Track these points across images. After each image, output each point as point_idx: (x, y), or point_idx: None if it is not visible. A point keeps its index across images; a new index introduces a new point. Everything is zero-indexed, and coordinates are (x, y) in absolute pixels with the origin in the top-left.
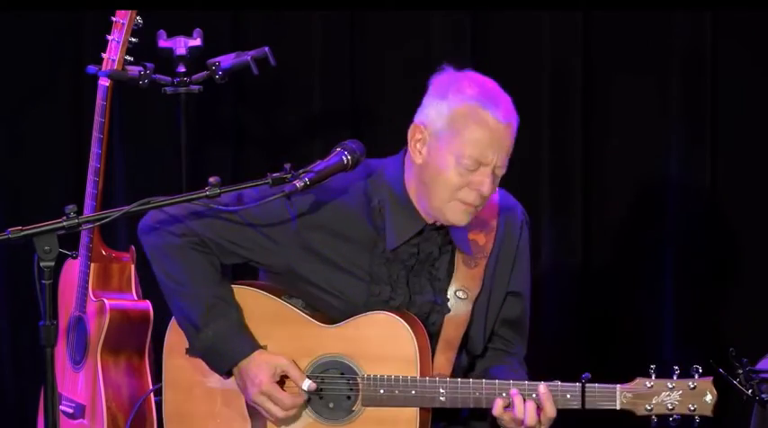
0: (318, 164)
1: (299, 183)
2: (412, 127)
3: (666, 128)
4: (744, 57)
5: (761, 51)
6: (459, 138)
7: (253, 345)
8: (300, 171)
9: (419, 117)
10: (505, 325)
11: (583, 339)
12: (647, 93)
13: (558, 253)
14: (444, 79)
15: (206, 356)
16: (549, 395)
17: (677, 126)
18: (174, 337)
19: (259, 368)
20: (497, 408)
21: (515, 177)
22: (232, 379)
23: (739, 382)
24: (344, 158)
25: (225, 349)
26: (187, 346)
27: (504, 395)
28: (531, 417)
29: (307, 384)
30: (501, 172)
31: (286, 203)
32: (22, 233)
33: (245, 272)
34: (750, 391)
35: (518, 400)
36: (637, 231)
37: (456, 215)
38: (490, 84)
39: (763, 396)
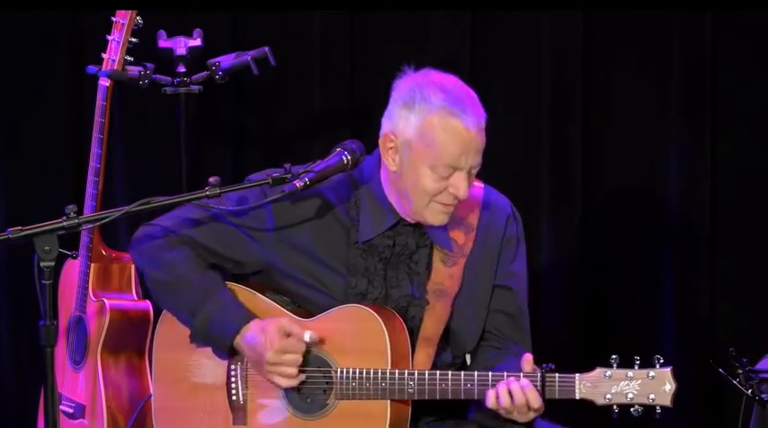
0: (318, 164)
1: (299, 183)
2: (382, 136)
3: (666, 127)
4: (744, 57)
5: (761, 51)
6: (432, 149)
7: (247, 317)
8: (300, 171)
9: (388, 125)
10: (497, 320)
11: (582, 337)
12: (647, 93)
13: (558, 252)
14: (408, 85)
15: (205, 340)
16: (530, 386)
17: (677, 125)
18: (164, 332)
19: (264, 331)
20: (491, 401)
21: (515, 177)
22: (216, 373)
23: (739, 382)
24: (344, 158)
25: (219, 329)
26: (189, 335)
27: (468, 385)
28: (519, 400)
29: (308, 335)
30: (476, 170)
31: (261, 198)
32: (22, 233)
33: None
34: (750, 391)
35: (501, 391)
36: (636, 231)
37: (436, 216)
38: (453, 85)
39: (763, 396)
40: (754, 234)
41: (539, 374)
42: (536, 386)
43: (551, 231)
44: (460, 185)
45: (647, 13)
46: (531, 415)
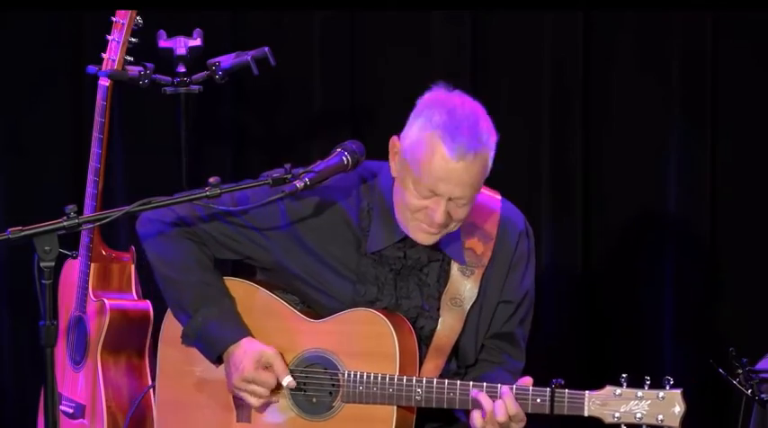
0: (318, 164)
1: (299, 184)
2: (392, 138)
3: (666, 128)
4: (744, 57)
5: (761, 51)
6: (416, 164)
7: (242, 332)
8: (301, 171)
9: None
10: (494, 336)
11: (582, 340)
12: (647, 94)
13: (558, 253)
14: (428, 99)
15: (197, 343)
16: (509, 395)
17: (677, 126)
18: (170, 327)
19: (245, 354)
20: (476, 420)
21: (516, 177)
22: (221, 369)
23: (739, 382)
24: (344, 158)
25: (214, 335)
26: (180, 334)
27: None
28: (500, 412)
29: (287, 380)
30: (462, 202)
31: (271, 196)
32: (22, 233)
33: (242, 268)
34: (750, 391)
35: (483, 398)
36: (637, 232)
37: (417, 234)
38: (463, 113)
39: (763, 396)
40: (754, 234)
41: (548, 390)
42: (544, 401)
43: (551, 231)
44: (436, 210)
45: (647, 13)
46: (514, 426)
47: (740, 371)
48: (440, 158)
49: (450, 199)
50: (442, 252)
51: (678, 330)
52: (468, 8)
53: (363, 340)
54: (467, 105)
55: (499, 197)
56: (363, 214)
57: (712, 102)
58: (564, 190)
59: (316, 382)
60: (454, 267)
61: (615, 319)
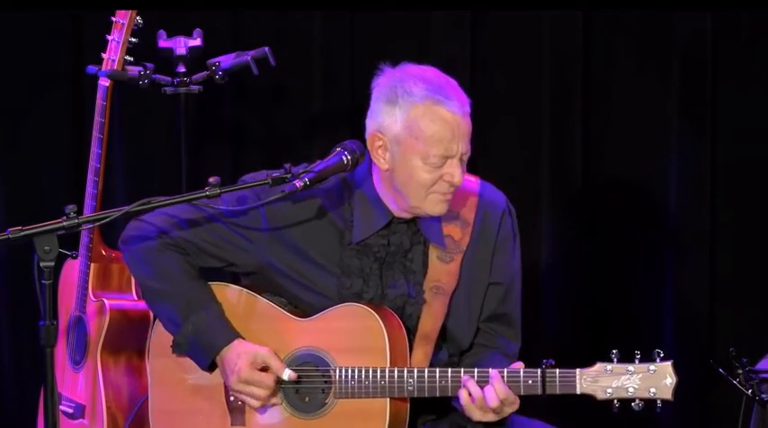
0: (318, 164)
1: (299, 183)
2: (369, 136)
3: (666, 127)
4: (744, 57)
5: (761, 51)
6: (421, 140)
7: (233, 334)
8: (300, 171)
9: (373, 125)
10: (488, 318)
11: (582, 338)
12: (647, 93)
13: (557, 251)
14: (388, 82)
15: (189, 351)
16: (498, 379)
17: (677, 125)
18: (159, 337)
19: (239, 356)
20: (464, 399)
21: (516, 177)
22: (213, 374)
23: (739, 382)
24: (344, 158)
25: (205, 341)
26: (171, 344)
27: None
28: (491, 398)
29: (287, 374)
30: (467, 157)
31: (256, 200)
32: (22, 233)
33: (228, 275)
34: (750, 391)
35: (471, 384)
36: (636, 231)
37: (435, 206)
38: (433, 75)
39: (763, 396)
40: (754, 234)
41: (539, 370)
42: (536, 381)
43: (551, 231)
44: (455, 172)
45: (647, 13)
46: (506, 410)
47: (740, 371)
48: (445, 120)
49: (461, 157)
50: (423, 235)
51: (678, 330)
52: (468, 8)
53: (353, 335)
54: (428, 69)
55: (477, 180)
56: (345, 209)
57: (712, 102)
58: (564, 189)
59: (308, 380)
60: (433, 254)
61: (614, 319)
